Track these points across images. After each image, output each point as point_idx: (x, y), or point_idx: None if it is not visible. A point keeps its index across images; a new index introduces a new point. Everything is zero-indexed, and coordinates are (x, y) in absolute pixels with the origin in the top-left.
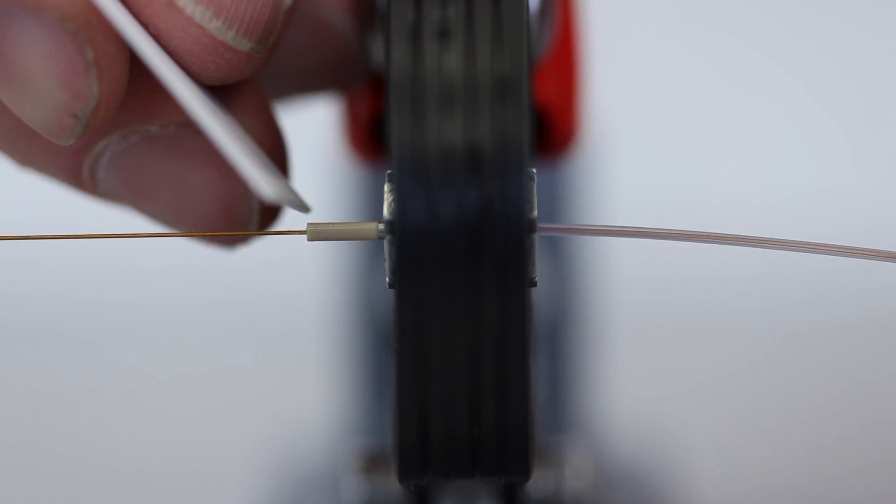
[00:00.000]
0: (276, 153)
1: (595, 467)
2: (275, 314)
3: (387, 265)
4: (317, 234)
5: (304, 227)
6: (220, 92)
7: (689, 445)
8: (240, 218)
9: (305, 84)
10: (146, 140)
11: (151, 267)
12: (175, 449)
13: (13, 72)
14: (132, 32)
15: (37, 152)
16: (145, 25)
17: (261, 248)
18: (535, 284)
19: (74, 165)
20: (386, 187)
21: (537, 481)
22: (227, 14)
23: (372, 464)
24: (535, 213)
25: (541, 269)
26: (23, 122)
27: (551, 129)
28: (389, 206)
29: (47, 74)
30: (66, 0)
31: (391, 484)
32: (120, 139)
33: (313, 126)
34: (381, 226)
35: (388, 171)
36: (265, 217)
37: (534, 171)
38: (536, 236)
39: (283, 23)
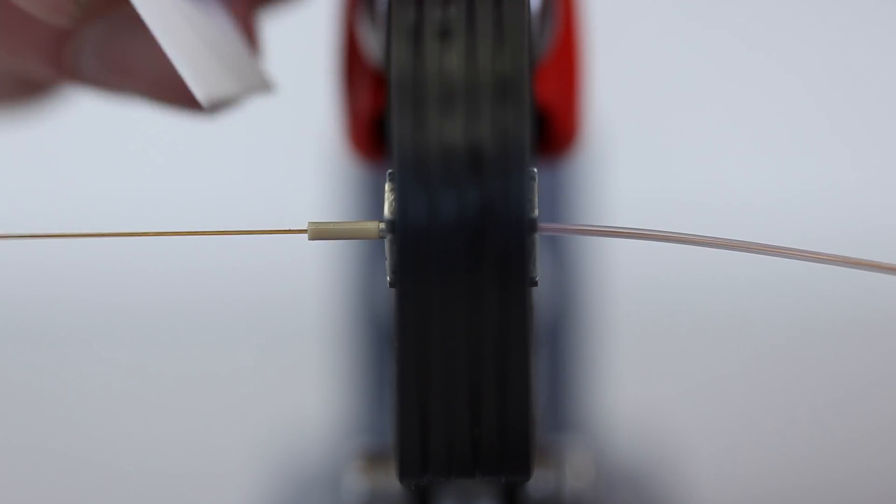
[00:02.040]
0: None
1: (595, 467)
2: (275, 313)
3: (388, 264)
4: (318, 233)
5: (305, 227)
6: None
7: (689, 445)
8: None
9: None
10: (127, 20)
11: (152, 267)
12: (176, 448)
13: None
14: None
15: (20, 43)
16: None
17: (261, 247)
18: (535, 284)
19: (57, 52)
20: (387, 186)
21: (537, 481)
22: None
23: (373, 463)
24: (536, 212)
25: (541, 269)
26: (6, 14)
27: (552, 128)
28: (390, 205)
29: None
30: None
31: (392, 483)
32: (104, 23)
33: (314, 125)
34: (382, 225)
35: (389, 171)
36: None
37: (535, 170)
38: (537, 236)
39: None
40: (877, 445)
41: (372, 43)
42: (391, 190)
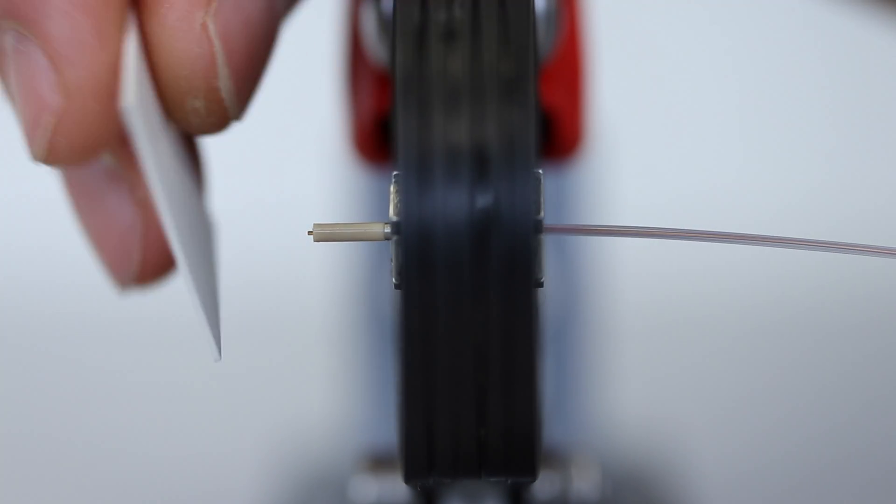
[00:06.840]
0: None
1: (601, 468)
2: (281, 315)
3: (393, 266)
4: (323, 234)
5: (310, 229)
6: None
7: (695, 447)
8: None
9: None
10: None
11: None
12: (182, 449)
13: None
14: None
15: None
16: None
17: (266, 249)
18: (541, 285)
19: None
20: (392, 188)
21: (543, 482)
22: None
23: (378, 464)
24: (542, 213)
25: (547, 270)
26: None
27: (558, 131)
28: (395, 206)
29: None
30: None
31: (397, 484)
32: None
33: (318, 127)
34: (388, 227)
35: (395, 172)
36: None
37: (540, 171)
38: (543, 237)
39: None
40: (879, 444)
41: (377, 45)
42: (396, 191)
